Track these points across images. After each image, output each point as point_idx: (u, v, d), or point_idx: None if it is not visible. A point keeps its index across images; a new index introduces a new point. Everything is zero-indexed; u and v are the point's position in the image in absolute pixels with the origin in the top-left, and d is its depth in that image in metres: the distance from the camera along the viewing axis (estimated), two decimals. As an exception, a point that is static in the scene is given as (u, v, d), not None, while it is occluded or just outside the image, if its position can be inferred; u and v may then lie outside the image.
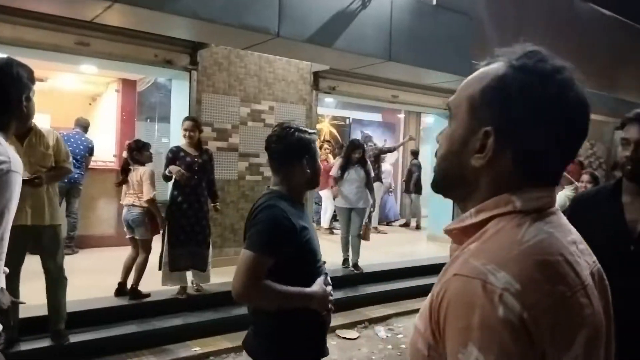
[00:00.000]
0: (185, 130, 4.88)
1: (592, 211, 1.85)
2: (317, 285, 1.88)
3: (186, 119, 5.08)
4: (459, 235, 0.89)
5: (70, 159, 3.98)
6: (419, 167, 10.46)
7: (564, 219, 0.88)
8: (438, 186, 0.96)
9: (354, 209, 6.19)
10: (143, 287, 4.79)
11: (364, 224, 6.22)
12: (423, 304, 0.86)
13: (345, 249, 6.35)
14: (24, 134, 3.72)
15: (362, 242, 6.30)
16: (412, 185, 10.44)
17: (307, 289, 1.85)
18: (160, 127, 9.34)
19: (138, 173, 4.75)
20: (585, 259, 0.86)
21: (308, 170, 1.96)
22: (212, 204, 5.05)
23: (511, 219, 0.82)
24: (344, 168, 6.24)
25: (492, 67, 0.87)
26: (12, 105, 1.79)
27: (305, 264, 1.90)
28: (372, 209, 6.44)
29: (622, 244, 1.74)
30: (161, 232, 4.80)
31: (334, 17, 5.28)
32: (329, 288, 1.93)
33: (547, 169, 0.84)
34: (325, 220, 9.19)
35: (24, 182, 3.54)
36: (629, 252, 1.73)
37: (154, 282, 4.80)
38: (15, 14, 4.70)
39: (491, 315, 0.72)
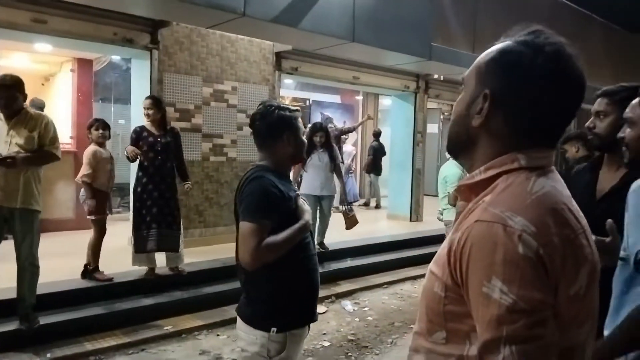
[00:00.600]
0: (144, 108, 4.85)
1: (573, 183, 2.02)
2: (307, 213, 2.05)
3: (146, 97, 5.03)
4: (467, 192, 1.01)
5: (58, 144, 3.88)
6: (378, 148, 10.68)
7: (559, 177, 1.02)
8: (451, 150, 1.08)
9: (320, 197, 6.02)
10: (116, 267, 4.79)
11: (344, 210, 6.11)
12: (439, 251, 0.98)
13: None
14: (13, 114, 3.67)
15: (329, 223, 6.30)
16: (371, 166, 10.67)
17: (300, 221, 2.00)
18: (117, 109, 9.13)
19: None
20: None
21: (290, 146, 2.08)
22: (183, 183, 5.04)
23: (519, 175, 0.94)
24: (305, 153, 6.23)
25: (499, 43, 1.00)
26: None
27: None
28: (343, 197, 6.39)
29: (589, 211, 1.91)
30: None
31: (299, -3, 5.31)
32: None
33: (538, 130, 0.96)
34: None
35: None
36: (595, 217, 1.91)
37: (127, 263, 4.81)
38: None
39: (513, 252, 0.83)
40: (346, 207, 6.13)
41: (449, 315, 0.95)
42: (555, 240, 0.86)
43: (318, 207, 6.03)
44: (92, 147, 4.74)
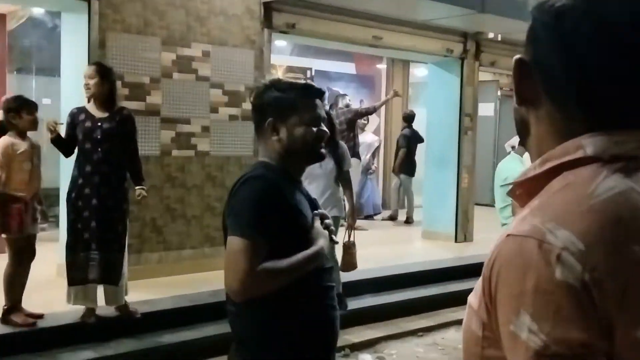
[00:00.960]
0: (85, 77, 4.91)
1: None
2: (323, 238, 2.10)
3: (90, 64, 5.08)
4: (523, 197, 1.02)
5: None
6: (411, 138, 10.68)
7: None
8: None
9: None
10: (43, 306, 4.87)
11: (346, 242, 5.63)
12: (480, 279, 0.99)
13: None
14: None
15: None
16: (399, 163, 10.69)
17: (313, 247, 2.05)
18: (41, 82, 9.20)
19: None
20: None
21: (278, 140, 2.16)
22: (136, 188, 5.06)
23: (584, 170, 0.94)
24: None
25: None
26: None
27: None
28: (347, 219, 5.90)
29: None
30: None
31: None
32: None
33: (599, 100, 0.96)
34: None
35: None
36: None
37: (57, 300, 4.89)
38: None
39: (547, 278, 0.84)
40: (349, 238, 5.69)
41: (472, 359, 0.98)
42: (613, 261, 0.85)
43: None
44: (3, 139, 4.77)
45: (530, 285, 0.85)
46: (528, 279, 0.85)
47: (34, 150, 4.89)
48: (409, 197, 10.98)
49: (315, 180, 5.49)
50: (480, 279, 0.96)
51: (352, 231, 5.69)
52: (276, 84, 2.23)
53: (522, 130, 1.07)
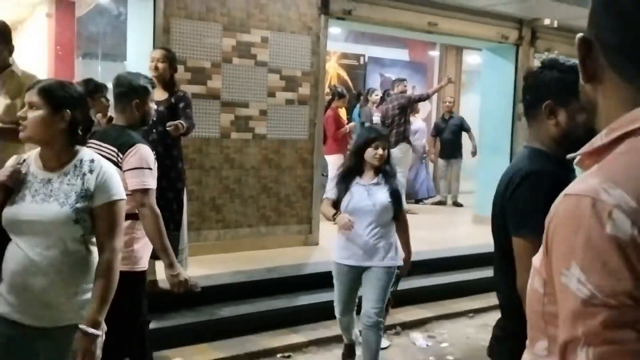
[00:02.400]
0: (153, 60, 4.99)
1: None
2: None
3: (157, 48, 5.19)
4: (588, 165, 1.05)
5: None
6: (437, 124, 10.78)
7: None
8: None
9: (365, 268, 4.27)
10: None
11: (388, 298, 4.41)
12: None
13: (347, 330, 4.62)
14: None
15: None
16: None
17: None
18: (106, 67, 9.42)
19: None
20: None
21: (555, 124, 2.08)
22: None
23: None
24: (345, 180, 4.36)
25: None
26: None
27: None
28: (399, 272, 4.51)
29: None
30: None
31: None
32: None
33: None
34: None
35: None
36: None
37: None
38: None
39: (598, 233, 0.88)
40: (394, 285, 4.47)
41: (548, 318, 1.02)
42: None
43: (353, 287, 4.40)
44: None
45: (581, 240, 0.90)
46: (580, 234, 0.90)
47: None
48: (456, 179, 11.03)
49: (360, 216, 4.21)
50: (543, 239, 1.02)
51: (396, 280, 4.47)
52: (557, 64, 2.08)
53: (591, 108, 1.11)
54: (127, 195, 2.84)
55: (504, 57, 9.19)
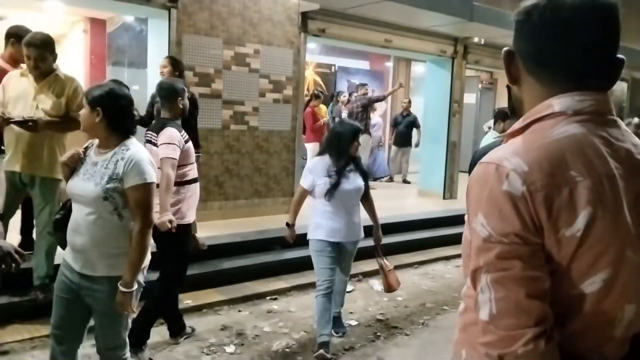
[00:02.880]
0: (160, 67, 4.92)
1: None
2: None
3: (164, 57, 5.09)
4: None
5: None
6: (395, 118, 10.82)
7: (619, 129, 1.05)
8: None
9: (342, 244, 3.91)
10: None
11: (381, 263, 4.26)
12: None
13: (323, 317, 3.83)
14: (41, 76, 3.69)
15: None
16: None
17: None
18: (131, 73, 9.23)
19: None
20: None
21: None
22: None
23: (550, 120, 1.02)
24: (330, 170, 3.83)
25: None
26: None
27: None
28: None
29: None
30: None
31: (330, -50, 5.27)
32: None
33: (563, 72, 1.03)
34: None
35: (17, 123, 3.59)
36: None
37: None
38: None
39: (496, 189, 0.95)
40: (382, 257, 4.27)
41: (467, 259, 1.07)
42: (546, 181, 0.94)
43: (333, 262, 3.88)
44: None
45: (485, 194, 0.96)
46: (485, 190, 0.97)
47: None
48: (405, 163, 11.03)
49: (340, 197, 3.78)
50: None
51: (380, 251, 4.26)
52: None
53: (517, 103, 1.13)
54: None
55: (442, 67, 9.17)
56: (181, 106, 3.63)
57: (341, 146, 3.79)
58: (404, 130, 10.76)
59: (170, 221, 3.30)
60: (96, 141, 2.50)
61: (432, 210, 7.99)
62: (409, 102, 10.98)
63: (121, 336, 2.51)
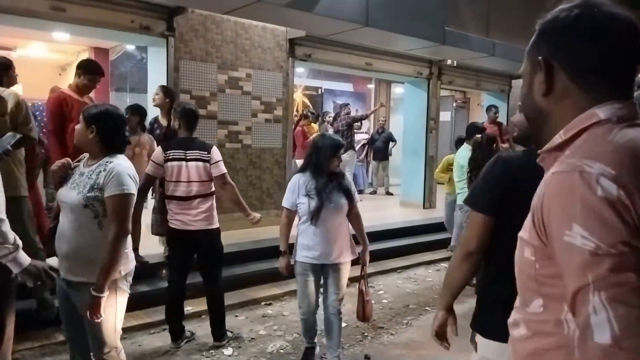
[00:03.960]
0: (153, 95, 4.97)
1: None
2: None
3: (158, 86, 5.14)
4: (548, 159, 1.00)
5: (33, 124, 3.50)
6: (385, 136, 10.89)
7: None
8: (529, 137, 1.11)
9: (327, 266, 3.43)
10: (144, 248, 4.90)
11: (364, 294, 3.69)
12: (526, 219, 0.98)
13: (309, 332, 3.61)
14: None
15: None
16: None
17: None
18: (132, 98, 9.20)
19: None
20: None
21: None
22: None
23: (599, 128, 0.93)
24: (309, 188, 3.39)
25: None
26: None
27: None
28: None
29: None
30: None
31: (314, -18, 5.33)
32: None
33: (605, 81, 0.96)
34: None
35: None
36: None
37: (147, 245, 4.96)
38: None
39: (590, 196, 0.82)
40: (365, 282, 3.76)
41: (541, 279, 0.93)
42: (638, 181, 0.84)
43: (317, 283, 3.49)
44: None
45: (578, 205, 0.83)
46: (575, 200, 0.83)
47: None
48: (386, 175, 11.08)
49: (328, 218, 3.33)
50: (530, 214, 0.94)
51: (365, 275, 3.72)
52: None
53: (539, 118, 1.03)
54: (209, 180, 3.76)
55: (419, 87, 9.26)
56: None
57: (321, 161, 3.29)
58: (382, 145, 10.83)
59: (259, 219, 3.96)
60: (87, 155, 2.51)
61: (413, 219, 8.01)
62: (384, 120, 11.12)
63: (106, 341, 2.41)
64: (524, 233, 0.97)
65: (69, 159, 2.50)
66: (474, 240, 1.83)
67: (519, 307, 1.03)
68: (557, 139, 0.97)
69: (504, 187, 1.77)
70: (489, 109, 8.79)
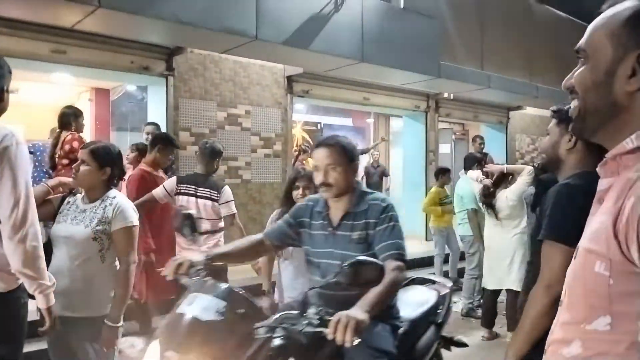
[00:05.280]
0: (144, 133, 5.12)
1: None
2: None
3: (147, 124, 5.28)
4: (613, 165, 0.93)
5: None
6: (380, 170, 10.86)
7: None
8: (586, 127, 0.98)
9: None
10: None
11: None
12: (591, 228, 0.92)
13: None
14: None
15: None
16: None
17: None
18: (133, 137, 9.30)
19: None
20: None
21: None
22: None
23: None
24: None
25: (621, 6, 0.92)
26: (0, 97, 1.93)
27: None
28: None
29: None
30: None
31: (309, 20, 5.48)
32: None
33: None
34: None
35: None
36: None
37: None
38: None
39: None
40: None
41: (615, 297, 0.85)
42: None
43: None
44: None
45: None
46: None
47: None
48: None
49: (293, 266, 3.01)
50: (604, 227, 0.87)
51: None
52: None
53: (609, 110, 0.92)
54: (217, 219, 3.76)
55: (417, 120, 9.36)
56: (216, 167, 3.96)
57: (285, 194, 3.08)
58: (377, 180, 10.84)
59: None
60: (80, 194, 2.51)
61: (416, 251, 7.95)
62: (378, 154, 11.19)
63: None
64: (595, 245, 0.88)
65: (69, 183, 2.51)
66: (562, 276, 1.66)
67: (570, 323, 0.93)
68: (628, 143, 0.89)
69: (585, 215, 1.67)
70: (474, 139, 8.87)
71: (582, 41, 0.95)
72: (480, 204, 4.88)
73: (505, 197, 4.55)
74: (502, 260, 4.55)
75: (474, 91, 8.33)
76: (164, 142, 4.20)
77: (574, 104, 0.97)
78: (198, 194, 3.79)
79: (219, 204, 3.78)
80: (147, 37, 5.38)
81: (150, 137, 4.94)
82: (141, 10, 4.36)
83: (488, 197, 4.69)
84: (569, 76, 0.97)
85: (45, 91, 7.63)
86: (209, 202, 3.79)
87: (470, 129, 13.80)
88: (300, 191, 2.93)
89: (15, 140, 1.85)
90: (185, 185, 3.81)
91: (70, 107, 4.97)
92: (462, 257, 6.02)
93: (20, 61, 5.15)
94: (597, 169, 0.96)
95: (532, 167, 4.84)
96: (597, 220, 0.89)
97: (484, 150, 8.77)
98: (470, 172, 5.47)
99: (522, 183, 4.61)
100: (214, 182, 3.87)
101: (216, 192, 3.79)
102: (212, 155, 3.89)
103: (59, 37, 5.16)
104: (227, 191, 3.82)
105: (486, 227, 4.82)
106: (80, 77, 6.44)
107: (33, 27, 4.92)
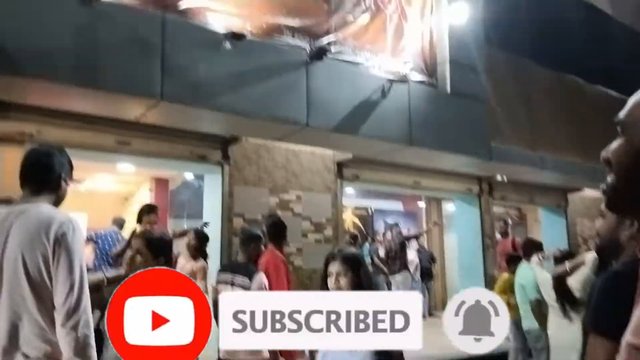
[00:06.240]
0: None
1: None
2: None
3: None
4: None
5: None
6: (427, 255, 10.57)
7: None
8: (619, 203, 0.93)
9: None
10: None
11: None
12: (635, 322, 0.84)
13: None
14: None
15: None
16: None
17: None
18: (189, 224, 9.58)
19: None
20: None
21: None
22: None
23: None
24: None
25: None
26: (59, 185, 2.03)
27: None
28: None
29: None
30: None
31: (357, 107, 5.67)
32: None
33: None
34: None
35: None
36: None
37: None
38: (59, 116, 5.03)
39: None
40: None
41: None
42: None
43: None
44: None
45: None
46: None
47: None
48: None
49: None
50: None
51: None
52: None
53: None
54: None
55: (471, 204, 9.16)
56: (254, 252, 3.83)
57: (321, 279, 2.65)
58: (427, 265, 10.48)
59: None
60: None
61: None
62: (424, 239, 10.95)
63: None
64: (639, 339, 0.81)
65: None
66: None
67: None
68: None
69: (632, 306, 1.52)
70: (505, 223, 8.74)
71: (621, 113, 0.91)
72: (546, 296, 4.58)
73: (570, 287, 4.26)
74: (570, 357, 4.17)
75: (527, 173, 8.17)
76: (282, 230, 4.39)
77: (609, 178, 0.90)
78: (234, 282, 3.68)
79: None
80: (204, 127, 5.69)
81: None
82: (199, 102, 4.65)
83: (562, 285, 4.40)
84: (606, 148, 0.92)
85: (109, 181, 8.09)
86: (241, 291, 3.63)
87: (528, 212, 13.38)
88: (333, 278, 2.29)
89: (72, 226, 1.90)
90: (223, 274, 3.76)
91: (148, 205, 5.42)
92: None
93: (88, 153, 5.51)
94: None
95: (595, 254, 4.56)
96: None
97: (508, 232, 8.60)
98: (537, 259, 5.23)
99: (587, 271, 4.33)
100: (247, 268, 3.72)
101: (247, 279, 3.63)
102: (246, 240, 3.85)
103: (123, 130, 5.53)
104: (258, 279, 3.60)
105: (551, 320, 4.48)
106: (141, 167, 6.80)
107: (99, 121, 5.29)
